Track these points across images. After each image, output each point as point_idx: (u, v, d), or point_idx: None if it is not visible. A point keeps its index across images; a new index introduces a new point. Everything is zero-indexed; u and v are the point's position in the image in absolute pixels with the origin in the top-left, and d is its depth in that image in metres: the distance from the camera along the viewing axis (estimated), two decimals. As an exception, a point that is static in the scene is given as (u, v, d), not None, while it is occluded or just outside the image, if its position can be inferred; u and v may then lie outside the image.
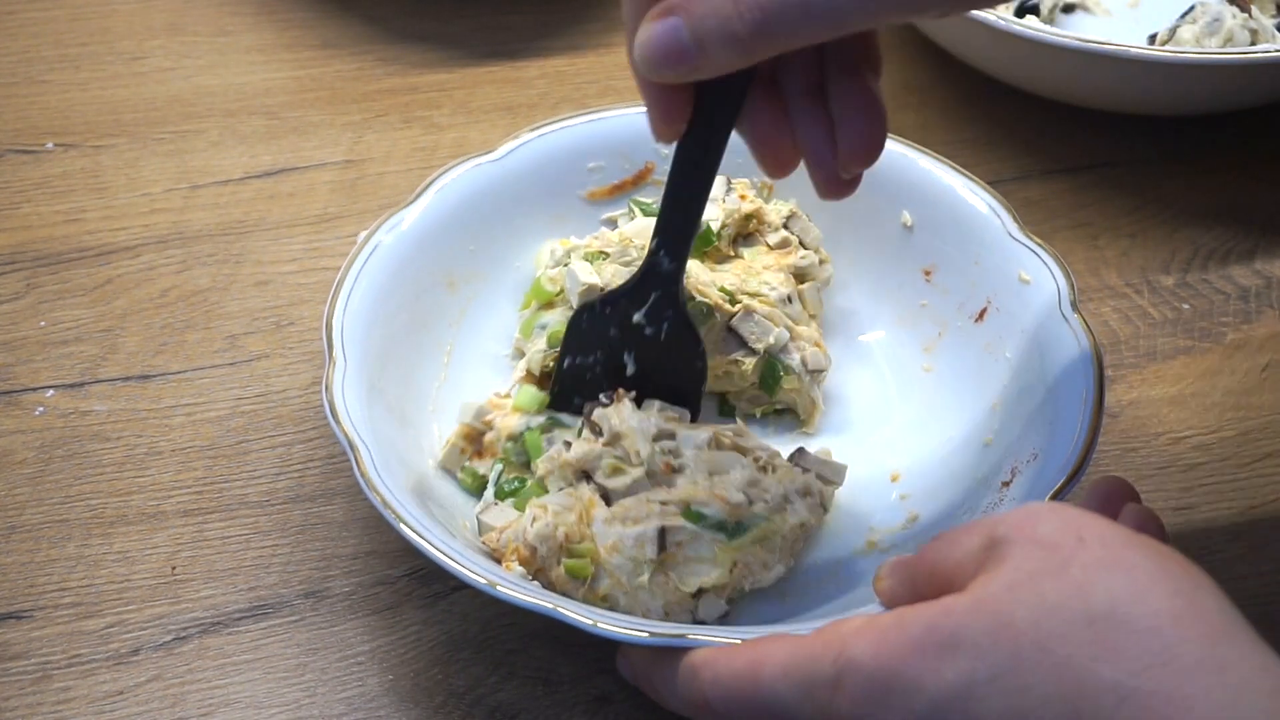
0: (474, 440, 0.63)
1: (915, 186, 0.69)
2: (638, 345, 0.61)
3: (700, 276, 0.66)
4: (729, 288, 0.66)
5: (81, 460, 0.66)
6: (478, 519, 0.60)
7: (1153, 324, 0.74)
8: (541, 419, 0.62)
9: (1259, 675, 0.40)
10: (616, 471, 0.58)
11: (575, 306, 0.65)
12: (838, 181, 0.54)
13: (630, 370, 0.61)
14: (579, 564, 0.56)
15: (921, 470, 0.64)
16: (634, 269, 0.66)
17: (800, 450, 0.61)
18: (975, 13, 0.78)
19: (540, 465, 0.59)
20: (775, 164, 0.55)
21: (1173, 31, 0.86)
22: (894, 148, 0.68)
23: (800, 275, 0.69)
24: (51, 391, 0.69)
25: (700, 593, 0.56)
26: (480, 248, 0.69)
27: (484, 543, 0.58)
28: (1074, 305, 0.63)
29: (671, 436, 0.59)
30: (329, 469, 0.66)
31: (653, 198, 0.72)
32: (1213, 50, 0.79)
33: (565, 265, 0.67)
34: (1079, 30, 0.88)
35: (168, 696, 0.57)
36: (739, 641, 0.49)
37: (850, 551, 0.61)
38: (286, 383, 0.70)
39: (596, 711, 0.57)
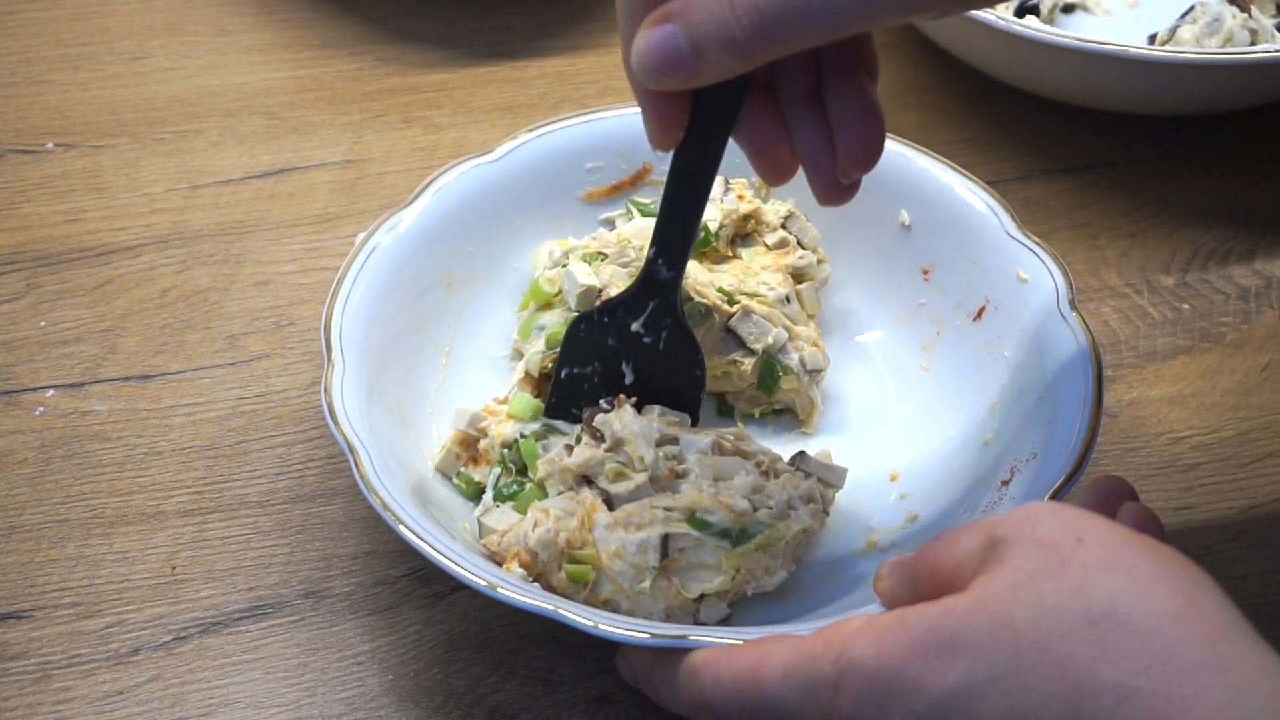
0: (469, 446, 0.63)
1: (913, 186, 0.69)
2: (636, 354, 0.61)
3: (698, 277, 0.66)
4: (727, 288, 0.66)
5: (81, 460, 0.66)
6: (479, 521, 0.60)
7: (1153, 324, 0.74)
8: (536, 425, 0.62)
9: (1260, 675, 0.40)
10: (620, 476, 0.58)
11: (573, 307, 0.65)
12: (837, 187, 0.54)
13: (629, 379, 0.61)
14: (581, 570, 0.56)
15: (921, 470, 0.64)
16: (632, 270, 0.66)
17: (801, 454, 0.61)
18: (975, 13, 0.78)
19: (540, 468, 0.59)
20: (773, 171, 0.55)
21: (1173, 31, 0.86)
22: (892, 147, 0.68)
23: (798, 275, 0.69)
24: (51, 391, 0.69)
25: (702, 597, 0.56)
26: (478, 248, 0.69)
27: (484, 545, 0.58)
28: (1072, 304, 0.63)
29: (674, 441, 0.59)
30: (329, 469, 0.66)
31: (651, 198, 0.72)
32: (1213, 50, 0.79)
33: (563, 266, 0.67)
34: (1079, 30, 0.88)
35: (168, 696, 0.57)
36: (739, 642, 0.49)
37: (850, 551, 0.61)
38: (286, 383, 0.70)
39: (596, 711, 0.57)
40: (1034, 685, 0.41)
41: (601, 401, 0.60)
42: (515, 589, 0.52)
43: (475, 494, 0.62)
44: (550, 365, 0.64)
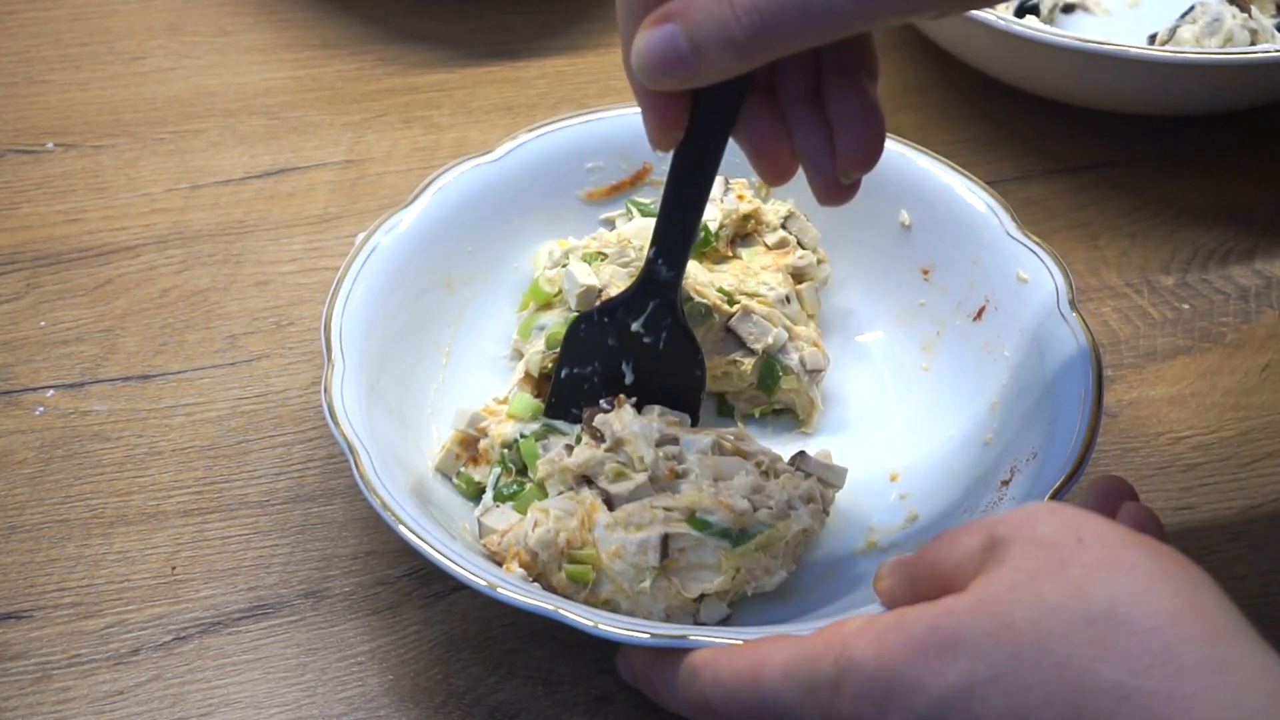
0: (469, 446, 0.63)
1: (913, 186, 0.69)
2: (636, 354, 0.61)
3: (698, 277, 0.66)
4: (727, 288, 0.66)
5: (81, 460, 0.66)
6: (479, 521, 0.60)
7: (1153, 324, 0.74)
8: (536, 425, 0.62)
9: (1260, 675, 0.40)
10: (620, 476, 0.58)
11: (573, 307, 0.65)
12: (837, 187, 0.54)
13: (629, 379, 0.61)
14: (581, 570, 0.56)
15: (920, 470, 0.64)
16: (632, 270, 0.66)
17: (802, 454, 0.61)
18: (975, 13, 0.78)
19: (540, 467, 0.59)
20: (773, 171, 0.55)
21: (1173, 31, 0.86)
22: (891, 147, 0.68)
23: (798, 275, 0.69)
24: (51, 391, 0.69)
25: (702, 597, 0.56)
26: (478, 249, 0.69)
27: (484, 545, 0.58)
28: (1072, 304, 0.63)
29: (674, 441, 0.59)
30: (329, 469, 0.66)
31: (650, 198, 0.72)
32: (1213, 50, 0.79)
33: (563, 266, 0.67)
34: (1079, 30, 0.88)
35: (168, 696, 0.57)
36: (740, 642, 0.49)
37: (850, 551, 0.61)
38: (286, 383, 0.70)
39: (596, 711, 0.57)
40: (1034, 685, 0.41)
41: (601, 401, 0.60)
42: (515, 589, 0.52)
43: (475, 494, 0.62)
44: (550, 365, 0.64)
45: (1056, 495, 0.55)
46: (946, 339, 0.68)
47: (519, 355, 0.67)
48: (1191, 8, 0.86)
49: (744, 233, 0.70)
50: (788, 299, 0.67)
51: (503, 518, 0.59)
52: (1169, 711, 0.39)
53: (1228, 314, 0.75)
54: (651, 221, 0.67)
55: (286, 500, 0.64)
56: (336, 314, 0.62)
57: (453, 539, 0.55)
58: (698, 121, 0.54)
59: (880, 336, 0.70)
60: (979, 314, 0.67)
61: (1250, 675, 0.40)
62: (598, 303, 0.63)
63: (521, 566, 0.56)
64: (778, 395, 0.66)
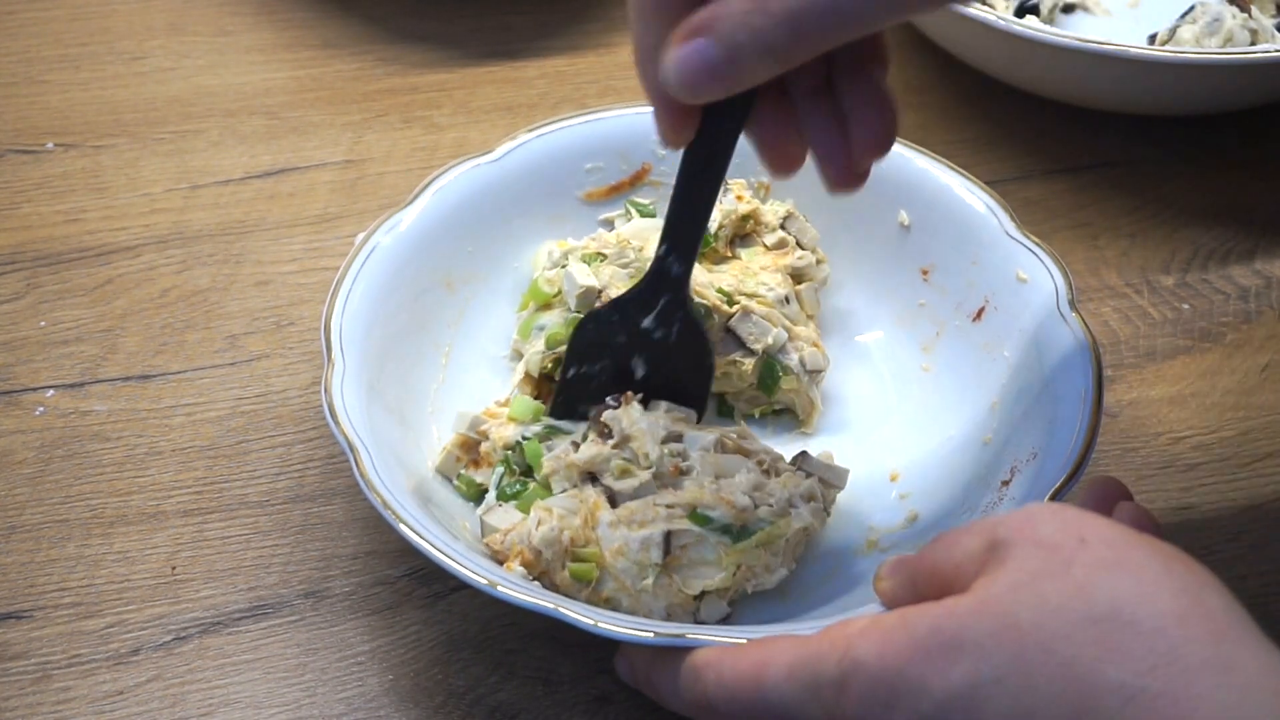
0: (469, 449, 0.63)
1: (912, 186, 0.69)
2: (647, 349, 0.61)
3: (698, 278, 0.66)
4: (726, 289, 0.66)
5: (81, 460, 0.66)
6: (481, 520, 0.60)
7: (1153, 324, 0.74)
8: (538, 427, 0.62)
9: (1265, 675, 0.40)
10: (625, 473, 0.58)
11: (573, 308, 0.65)
12: (850, 174, 0.54)
13: (639, 374, 0.61)
14: (584, 568, 0.56)
15: (921, 470, 0.64)
16: (631, 270, 0.66)
17: (803, 454, 0.61)
18: (975, 13, 0.78)
19: (545, 464, 0.59)
20: (782, 163, 0.55)
21: (1173, 31, 0.86)
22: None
23: (798, 275, 0.69)
24: (51, 391, 0.69)
25: (703, 595, 0.56)
26: (478, 249, 0.69)
27: (487, 544, 0.58)
28: (1072, 304, 0.63)
29: (679, 438, 0.59)
30: (329, 469, 0.66)
31: (650, 198, 0.72)
32: (1213, 50, 0.79)
33: (563, 267, 0.67)
34: (1079, 30, 0.88)
35: (168, 696, 0.57)
36: (742, 641, 0.49)
37: (850, 551, 0.61)
38: (286, 383, 0.70)
39: (596, 711, 0.57)
40: (1038, 686, 0.41)
41: (609, 398, 0.60)
42: (515, 587, 0.52)
43: (475, 496, 0.62)
44: (550, 366, 0.64)
45: (1057, 495, 0.55)
46: (946, 339, 0.68)
47: (519, 355, 0.67)
48: (1191, 8, 0.87)
49: (743, 233, 0.70)
50: (787, 299, 0.67)
51: (505, 516, 0.59)
52: (1174, 712, 0.39)
53: (1228, 314, 0.75)
54: (651, 222, 0.67)
55: (286, 500, 0.64)
56: (336, 314, 0.62)
57: (454, 538, 0.55)
58: (710, 119, 0.54)
59: (880, 337, 0.70)
60: (979, 314, 0.67)
61: (1256, 675, 0.39)
62: (598, 303, 0.63)
63: (524, 565, 0.56)
64: (778, 395, 0.66)
